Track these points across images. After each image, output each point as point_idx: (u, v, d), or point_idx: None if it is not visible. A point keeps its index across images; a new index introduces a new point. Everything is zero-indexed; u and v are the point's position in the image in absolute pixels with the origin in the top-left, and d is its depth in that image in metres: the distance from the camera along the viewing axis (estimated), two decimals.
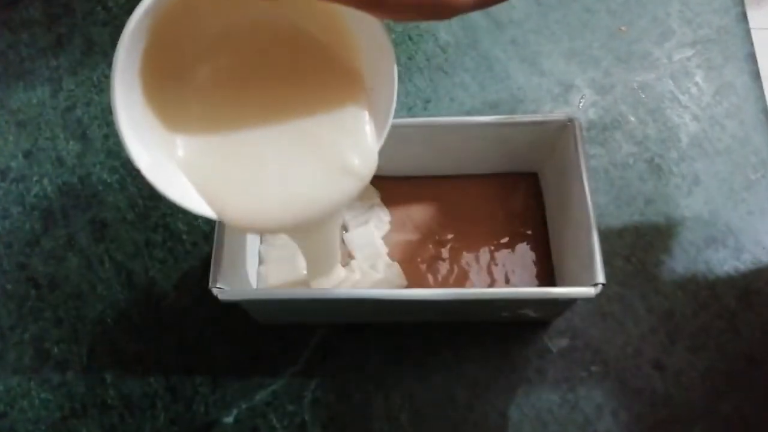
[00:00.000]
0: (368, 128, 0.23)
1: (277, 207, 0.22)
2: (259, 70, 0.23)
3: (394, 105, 0.22)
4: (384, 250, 0.33)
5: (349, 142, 0.23)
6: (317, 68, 0.23)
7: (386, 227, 0.33)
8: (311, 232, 0.25)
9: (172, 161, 0.22)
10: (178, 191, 0.22)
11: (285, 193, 0.22)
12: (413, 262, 0.32)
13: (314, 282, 0.30)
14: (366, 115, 0.23)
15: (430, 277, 0.32)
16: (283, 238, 0.33)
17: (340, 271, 0.30)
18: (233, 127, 0.22)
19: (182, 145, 0.22)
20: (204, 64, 0.22)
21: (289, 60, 0.23)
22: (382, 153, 0.33)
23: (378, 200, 0.34)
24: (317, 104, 0.23)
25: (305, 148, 0.23)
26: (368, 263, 0.32)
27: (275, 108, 0.23)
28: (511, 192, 0.34)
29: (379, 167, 0.34)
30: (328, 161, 0.23)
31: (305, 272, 0.32)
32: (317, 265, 0.29)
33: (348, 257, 0.32)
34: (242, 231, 0.24)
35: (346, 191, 0.23)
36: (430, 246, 0.33)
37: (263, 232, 0.28)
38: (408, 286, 0.32)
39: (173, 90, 0.22)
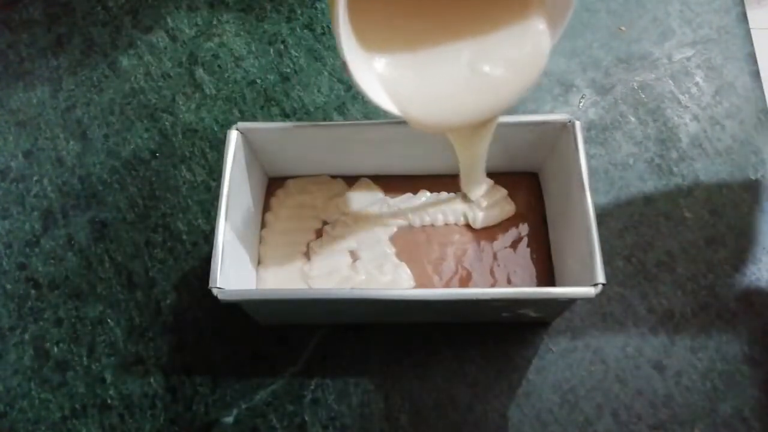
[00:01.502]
0: (542, 28, 0.25)
1: (454, 104, 0.25)
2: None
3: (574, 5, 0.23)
4: (391, 251, 0.33)
5: (524, 40, 0.25)
6: None
7: (393, 228, 0.33)
8: (475, 134, 0.28)
9: (370, 69, 0.24)
10: (371, 89, 0.24)
11: (462, 90, 0.25)
12: (420, 262, 0.32)
13: (470, 192, 0.32)
14: (540, 19, 0.25)
15: (436, 278, 0.32)
16: (283, 239, 0.33)
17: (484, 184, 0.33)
18: (420, 40, 0.25)
19: (378, 61, 0.25)
20: None
21: None
22: (383, 153, 0.34)
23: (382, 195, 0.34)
24: (494, 12, 0.25)
25: (483, 50, 0.25)
26: (375, 264, 0.32)
27: (456, 20, 0.25)
28: (512, 192, 0.34)
29: (380, 167, 0.34)
30: (501, 60, 0.25)
31: (304, 272, 0.32)
32: (472, 174, 0.31)
33: (354, 258, 0.33)
34: (423, 129, 0.26)
35: (515, 87, 0.25)
36: (436, 247, 0.33)
37: (441, 130, 0.30)
38: (415, 288, 0.32)
39: (367, 13, 0.24)
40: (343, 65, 0.22)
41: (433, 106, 0.25)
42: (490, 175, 0.34)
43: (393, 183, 0.34)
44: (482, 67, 0.25)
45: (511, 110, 0.37)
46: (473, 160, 0.30)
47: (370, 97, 0.24)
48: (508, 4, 0.25)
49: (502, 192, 0.33)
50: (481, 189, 0.33)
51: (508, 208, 0.33)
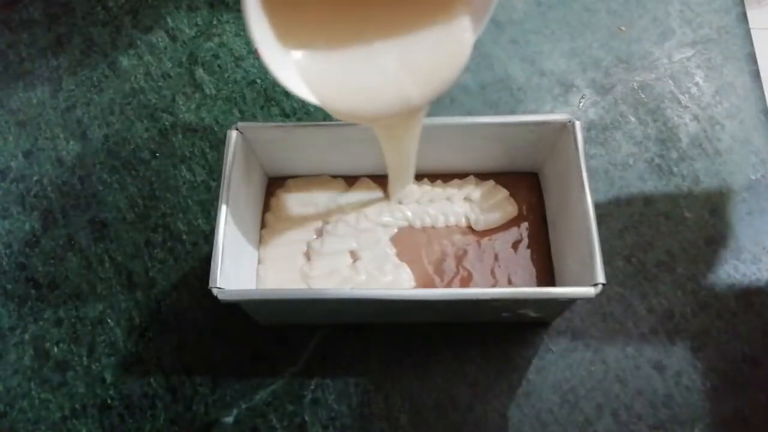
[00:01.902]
0: (465, 22, 0.24)
1: (376, 93, 0.25)
2: None
3: None
4: (392, 251, 0.33)
5: (445, 34, 0.24)
6: None
7: (393, 229, 0.33)
8: (398, 128, 0.27)
9: (287, 60, 0.24)
10: (285, 76, 0.23)
11: (384, 80, 0.25)
12: (420, 263, 0.32)
13: (393, 195, 0.32)
14: (464, 13, 0.24)
15: (436, 279, 0.32)
16: (283, 238, 0.33)
17: (413, 186, 0.33)
18: (339, 29, 0.24)
19: (296, 52, 0.24)
20: None
21: None
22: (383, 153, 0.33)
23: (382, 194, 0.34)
24: (418, 6, 0.24)
25: (407, 42, 0.24)
26: (375, 264, 0.32)
27: (379, 16, 0.24)
28: (512, 192, 0.34)
29: (380, 167, 0.34)
30: (424, 52, 0.24)
31: (305, 272, 0.32)
32: (398, 174, 0.31)
33: (354, 258, 0.33)
34: (344, 118, 0.26)
35: (437, 79, 0.25)
36: (436, 247, 0.33)
37: (360, 120, 0.30)
38: (415, 288, 0.32)
39: (284, 8, 0.23)
40: (256, 52, 0.22)
41: (353, 95, 0.24)
42: (491, 175, 0.34)
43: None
44: (404, 59, 0.24)
45: (510, 110, 0.38)
46: (399, 158, 0.29)
47: (285, 84, 0.23)
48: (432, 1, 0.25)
49: (504, 193, 0.33)
50: (405, 191, 0.32)
51: (510, 209, 0.33)
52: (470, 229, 0.33)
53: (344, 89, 0.24)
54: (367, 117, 0.26)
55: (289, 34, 0.23)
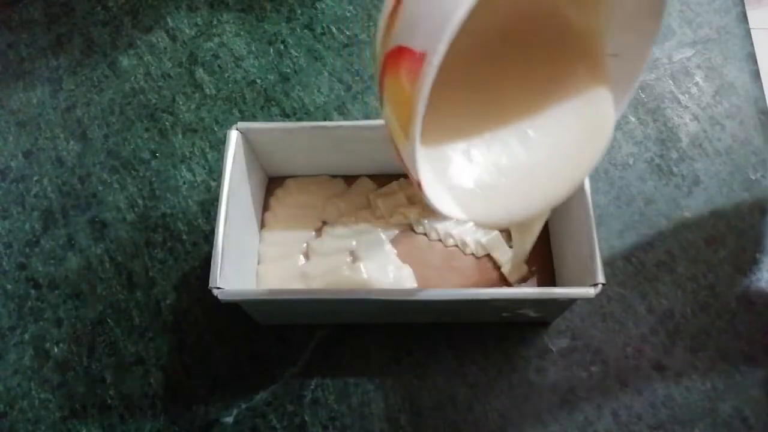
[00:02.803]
0: (607, 102, 0.23)
1: (526, 201, 0.23)
2: (492, 70, 0.23)
3: (641, 73, 0.22)
4: (392, 251, 0.33)
5: (587, 121, 0.23)
6: (552, 48, 0.22)
7: (394, 230, 0.33)
8: (535, 221, 0.26)
9: (441, 184, 0.22)
10: (447, 205, 0.22)
11: (532, 185, 0.23)
12: (420, 263, 0.32)
13: (512, 275, 0.31)
14: (605, 91, 0.23)
15: (437, 279, 0.32)
16: (283, 238, 0.33)
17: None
18: (479, 129, 0.23)
19: (449, 174, 0.22)
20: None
21: (521, 47, 0.22)
22: (383, 153, 0.33)
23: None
24: (556, 87, 0.23)
25: (550, 137, 0.23)
26: (375, 264, 0.32)
27: (515, 104, 0.23)
28: None
29: (380, 167, 0.34)
30: (566, 144, 0.23)
31: (304, 272, 0.32)
32: (521, 256, 0.30)
33: (354, 258, 0.32)
34: (492, 227, 0.25)
35: (582, 169, 0.23)
36: (437, 248, 0.33)
37: (510, 225, 0.28)
38: (416, 288, 0.31)
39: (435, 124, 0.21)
40: (417, 185, 0.20)
41: (508, 207, 0.23)
42: None
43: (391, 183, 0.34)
44: (547, 159, 0.23)
45: None
46: (528, 241, 0.28)
47: (446, 213, 0.21)
48: (572, 84, 0.23)
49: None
50: (521, 271, 0.31)
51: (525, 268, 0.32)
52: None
53: (496, 205, 0.22)
54: (520, 221, 0.25)
55: (432, 155, 0.22)
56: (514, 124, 0.23)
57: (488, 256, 0.33)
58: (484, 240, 0.32)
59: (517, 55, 0.23)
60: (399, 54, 0.17)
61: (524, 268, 0.31)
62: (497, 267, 0.32)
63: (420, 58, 0.16)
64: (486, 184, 0.22)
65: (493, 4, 0.20)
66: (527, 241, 0.28)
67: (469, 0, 0.15)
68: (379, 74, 0.18)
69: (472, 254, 0.33)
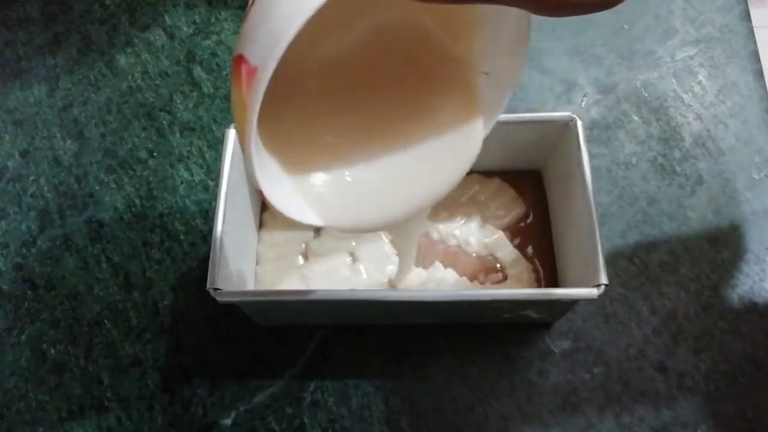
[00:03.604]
0: (476, 119, 0.23)
1: (385, 206, 0.23)
2: (360, 78, 0.23)
3: (513, 87, 0.23)
4: (393, 252, 0.32)
5: (458, 134, 0.23)
6: (423, 62, 0.23)
7: None
8: (402, 227, 0.26)
9: (290, 189, 0.22)
10: (296, 210, 0.21)
11: (392, 191, 0.23)
12: (422, 263, 0.32)
13: (400, 282, 0.31)
14: (476, 107, 0.23)
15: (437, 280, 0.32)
16: (281, 238, 0.33)
17: (417, 271, 0.31)
18: (337, 134, 0.23)
19: (301, 179, 0.22)
20: (305, 83, 0.22)
21: (390, 57, 0.23)
22: None
23: None
24: (424, 98, 0.23)
25: (410, 146, 0.23)
26: (375, 265, 0.32)
27: (387, 120, 0.23)
28: (516, 190, 0.33)
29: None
30: (433, 156, 0.23)
31: (303, 273, 0.32)
32: (403, 264, 0.30)
33: (353, 258, 0.32)
34: (346, 231, 0.24)
35: (447, 180, 0.23)
36: (438, 248, 0.32)
37: (370, 231, 0.29)
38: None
39: (275, 115, 0.21)
40: (260, 192, 0.20)
41: (363, 214, 0.23)
42: (494, 172, 0.34)
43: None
44: (411, 165, 0.23)
45: (512, 109, 0.38)
46: (407, 248, 0.29)
47: (295, 218, 0.21)
48: (443, 101, 0.23)
49: (511, 192, 0.33)
50: (408, 277, 0.31)
51: (518, 210, 0.33)
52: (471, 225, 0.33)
53: (351, 209, 0.23)
54: (377, 228, 0.25)
55: (290, 161, 0.22)
56: (385, 139, 0.23)
57: (491, 256, 0.32)
58: (487, 240, 0.32)
59: (392, 75, 0.23)
60: (240, 61, 0.17)
61: (408, 271, 0.31)
62: (500, 268, 0.32)
63: (253, 71, 0.17)
64: (349, 190, 0.23)
65: (357, 22, 0.21)
66: (405, 244, 0.28)
67: (299, 20, 0.15)
68: (231, 79, 0.19)
69: (475, 254, 0.32)
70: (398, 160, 0.23)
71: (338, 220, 0.22)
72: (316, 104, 0.23)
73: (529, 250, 0.32)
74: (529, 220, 0.33)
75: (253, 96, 0.17)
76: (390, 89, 0.23)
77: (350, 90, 0.23)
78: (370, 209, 0.23)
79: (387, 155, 0.23)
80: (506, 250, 0.32)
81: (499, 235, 0.32)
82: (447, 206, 0.33)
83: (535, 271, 0.32)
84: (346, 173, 0.23)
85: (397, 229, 0.27)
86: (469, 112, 0.23)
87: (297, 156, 0.22)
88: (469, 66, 0.23)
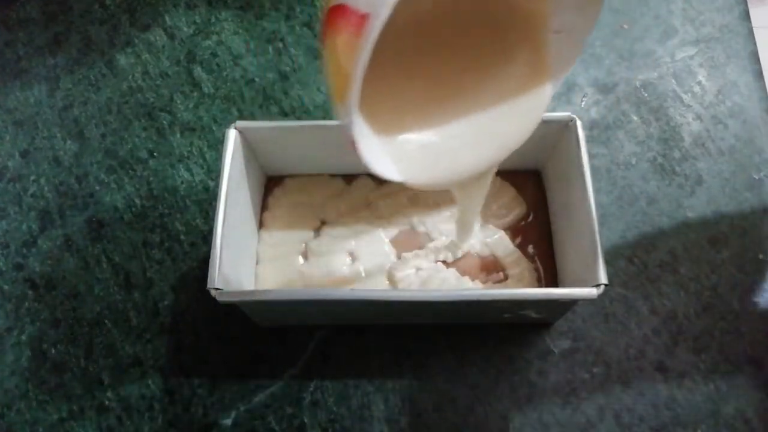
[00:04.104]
0: (545, 78, 0.24)
1: (456, 163, 0.24)
2: (439, 49, 0.24)
3: (584, 45, 0.23)
4: (392, 252, 0.32)
5: (527, 93, 0.24)
6: (494, 22, 0.23)
7: (394, 230, 0.33)
8: (469, 188, 0.27)
9: (377, 145, 0.23)
10: (382, 165, 0.22)
11: (469, 147, 0.24)
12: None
13: (462, 241, 0.31)
14: (546, 67, 0.24)
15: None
16: (281, 238, 0.33)
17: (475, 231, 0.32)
18: (414, 95, 0.24)
19: (386, 139, 0.23)
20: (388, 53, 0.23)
21: (462, 18, 0.23)
22: None
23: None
24: (495, 58, 0.24)
25: (483, 104, 0.24)
26: (375, 265, 0.32)
27: (459, 80, 0.24)
28: (517, 190, 0.33)
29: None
30: (503, 115, 0.24)
31: (303, 272, 0.32)
32: (467, 222, 0.30)
33: (353, 258, 0.32)
34: (423, 188, 0.26)
35: (515, 138, 0.25)
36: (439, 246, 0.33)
37: (441, 188, 0.29)
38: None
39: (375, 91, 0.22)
40: (351, 144, 0.20)
41: (438, 169, 0.24)
42: (495, 173, 0.34)
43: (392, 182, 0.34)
44: (482, 125, 0.24)
45: None
46: (472, 208, 0.29)
47: (379, 171, 0.22)
48: (514, 60, 0.24)
49: (511, 192, 0.33)
50: (471, 238, 0.32)
51: (519, 210, 0.33)
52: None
53: (427, 166, 0.24)
54: (450, 184, 0.26)
55: (374, 121, 0.23)
56: (458, 99, 0.24)
57: (492, 256, 0.32)
58: (488, 240, 0.32)
59: (464, 35, 0.24)
60: (341, 11, 0.17)
61: (470, 232, 0.31)
62: (500, 267, 0.32)
63: (363, 18, 0.16)
64: (426, 148, 0.23)
65: None
66: (469, 204, 0.29)
67: None
68: (322, 31, 0.19)
69: (476, 254, 0.32)
70: (471, 119, 0.24)
71: (416, 177, 0.23)
72: (395, 65, 0.23)
73: (530, 249, 0.32)
74: (529, 220, 0.33)
75: (364, 45, 0.16)
76: (462, 50, 0.24)
77: (425, 51, 0.23)
78: (445, 166, 0.24)
79: (460, 115, 0.24)
80: (507, 250, 0.32)
81: (500, 235, 0.32)
82: (448, 205, 0.33)
83: (536, 270, 0.32)
84: (424, 133, 0.23)
85: (464, 189, 0.28)
86: (538, 72, 0.24)
87: (380, 116, 0.22)
88: (540, 25, 0.23)
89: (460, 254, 0.32)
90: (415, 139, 0.23)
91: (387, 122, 0.23)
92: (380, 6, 0.16)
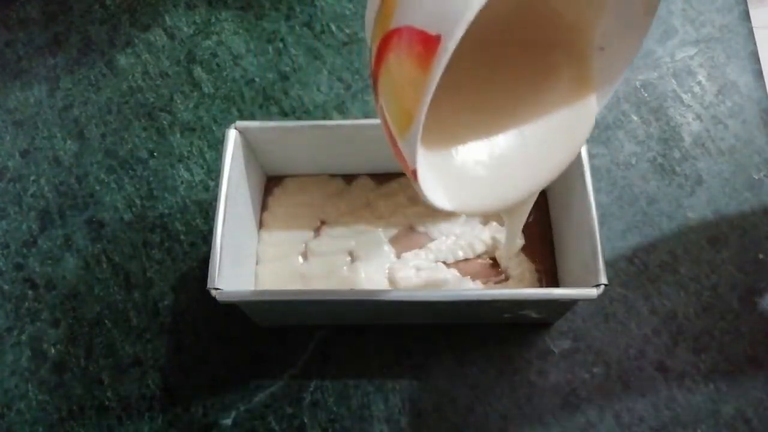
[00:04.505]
0: (590, 96, 0.23)
1: (503, 187, 0.24)
2: (482, 66, 0.23)
3: (627, 67, 0.22)
4: (392, 252, 0.32)
5: (570, 111, 0.23)
6: (539, 39, 0.23)
7: (394, 230, 0.33)
8: (515, 207, 0.27)
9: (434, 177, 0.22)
10: (438, 198, 0.22)
11: (518, 175, 0.24)
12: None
13: (507, 256, 0.31)
14: (590, 85, 0.23)
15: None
16: (281, 238, 0.33)
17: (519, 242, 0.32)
18: (466, 121, 0.23)
19: (441, 166, 0.22)
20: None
21: (510, 41, 0.23)
22: (382, 152, 0.33)
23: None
24: (539, 77, 0.23)
25: (527, 125, 0.23)
26: (375, 265, 0.32)
27: (503, 99, 0.23)
28: None
29: (379, 165, 0.34)
30: (548, 136, 0.23)
31: (303, 273, 0.32)
32: (512, 240, 0.30)
33: (353, 258, 0.32)
34: (472, 215, 0.26)
35: (562, 160, 0.24)
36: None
37: (489, 213, 0.30)
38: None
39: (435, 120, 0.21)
40: (413, 174, 0.20)
41: (490, 199, 0.23)
42: None
43: (392, 182, 0.34)
44: (531, 146, 0.23)
45: None
46: (517, 224, 0.29)
47: (438, 206, 0.22)
48: (558, 78, 0.24)
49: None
50: (515, 250, 0.32)
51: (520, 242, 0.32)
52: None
53: (480, 196, 0.23)
54: (499, 210, 0.25)
55: (430, 151, 0.22)
56: (502, 118, 0.23)
57: (493, 256, 0.32)
58: (486, 240, 0.32)
59: (507, 50, 0.23)
60: (403, 34, 0.16)
61: (518, 244, 0.31)
62: (500, 268, 0.32)
63: (434, 41, 0.16)
64: (476, 175, 0.23)
65: None
66: (517, 222, 0.29)
67: None
68: (375, 56, 0.18)
69: (477, 254, 0.32)
70: (514, 142, 0.23)
71: (470, 207, 0.23)
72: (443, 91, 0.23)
73: (531, 249, 0.32)
74: (529, 220, 0.33)
75: (436, 67, 0.16)
76: (507, 71, 0.23)
77: (469, 69, 0.23)
78: (497, 195, 0.23)
79: (503, 138, 0.23)
80: (506, 250, 0.32)
81: (501, 235, 0.32)
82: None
83: (537, 271, 0.32)
84: (474, 162, 0.23)
85: (512, 210, 0.27)
86: (582, 90, 0.23)
87: (431, 145, 0.22)
88: (585, 42, 0.23)
89: (504, 263, 0.32)
90: (467, 170, 0.23)
91: (435, 148, 0.22)
92: (455, 25, 0.15)
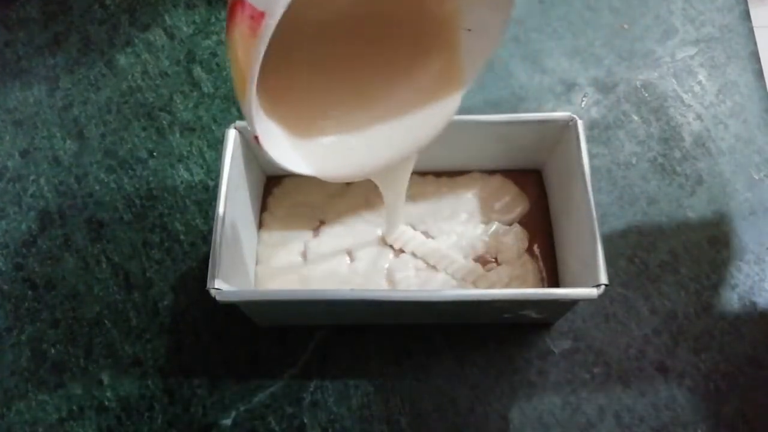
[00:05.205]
0: (459, 75, 0.25)
1: (368, 155, 0.25)
2: (352, 47, 0.24)
3: (495, 47, 0.23)
4: (391, 252, 0.32)
5: (439, 89, 0.25)
6: (406, 21, 0.24)
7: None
8: (388, 179, 0.28)
9: (281, 137, 0.23)
10: (287, 158, 0.23)
11: (380, 141, 0.25)
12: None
13: (389, 234, 0.32)
14: (459, 66, 0.24)
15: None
16: (281, 238, 0.33)
17: (405, 228, 0.33)
18: (329, 88, 0.24)
19: (284, 118, 0.23)
20: (298, 50, 0.23)
21: (375, 18, 0.24)
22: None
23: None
24: (408, 57, 0.25)
25: (397, 101, 0.25)
26: (374, 265, 0.32)
27: (365, 71, 0.25)
28: (516, 189, 0.33)
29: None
30: (417, 112, 0.25)
31: (302, 273, 0.32)
32: (394, 214, 0.31)
33: (352, 258, 0.32)
34: (334, 180, 0.26)
35: (427, 134, 0.25)
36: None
37: (351, 180, 0.30)
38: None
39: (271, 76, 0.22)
40: (255, 139, 0.21)
41: (349, 165, 0.25)
42: (494, 171, 0.34)
43: None
44: (398, 120, 0.25)
45: (512, 109, 0.38)
46: (394, 198, 0.30)
47: (286, 166, 0.23)
48: (426, 56, 0.25)
49: (514, 189, 0.33)
50: (397, 231, 0.32)
51: (522, 207, 0.33)
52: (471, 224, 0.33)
53: (338, 161, 0.24)
54: (363, 177, 0.26)
55: (282, 118, 0.23)
56: (371, 98, 0.25)
57: (494, 256, 0.32)
58: (487, 239, 0.32)
59: (377, 33, 0.24)
60: (240, 5, 0.17)
61: (397, 223, 0.32)
62: (503, 267, 0.32)
63: (259, 16, 0.17)
64: (337, 145, 0.24)
65: None
66: (392, 196, 0.29)
67: None
68: (227, 19, 0.19)
69: (478, 254, 0.32)
70: (383, 118, 0.24)
71: (327, 171, 0.24)
72: (305, 65, 0.23)
73: (531, 249, 0.32)
74: (529, 219, 0.33)
75: (259, 42, 0.17)
76: (375, 49, 0.24)
77: (337, 51, 0.24)
78: (355, 161, 0.24)
79: (374, 114, 0.24)
80: (509, 250, 0.32)
81: (503, 235, 0.32)
82: (449, 204, 0.33)
83: (540, 272, 0.32)
84: (336, 131, 0.24)
85: (384, 180, 0.28)
86: (451, 70, 0.24)
87: (289, 114, 0.23)
88: (451, 23, 0.24)
89: (390, 240, 0.32)
90: (327, 136, 0.24)
91: (300, 118, 0.23)
92: (275, 5, 0.16)
